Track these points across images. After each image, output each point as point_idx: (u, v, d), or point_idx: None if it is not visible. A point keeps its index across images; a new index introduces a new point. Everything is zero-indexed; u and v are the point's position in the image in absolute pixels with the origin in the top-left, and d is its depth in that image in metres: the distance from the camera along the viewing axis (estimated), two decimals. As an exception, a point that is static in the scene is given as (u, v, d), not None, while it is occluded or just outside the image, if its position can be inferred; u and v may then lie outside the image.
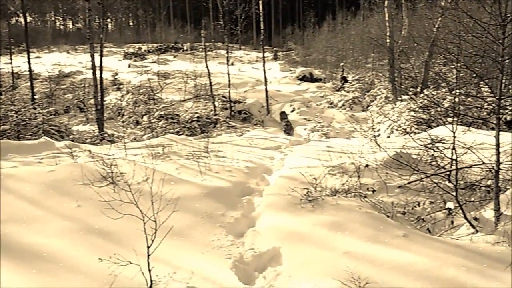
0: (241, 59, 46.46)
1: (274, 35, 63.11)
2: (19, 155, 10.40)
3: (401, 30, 24.29)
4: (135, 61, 42.58)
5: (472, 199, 7.78)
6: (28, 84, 23.25)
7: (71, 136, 17.15)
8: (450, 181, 7.45)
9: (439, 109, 15.52)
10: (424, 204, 7.80)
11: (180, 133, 19.22)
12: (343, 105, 25.56)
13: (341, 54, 39.83)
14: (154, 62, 39.44)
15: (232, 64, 35.02)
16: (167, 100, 24.48)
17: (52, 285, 5.10)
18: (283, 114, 23.48)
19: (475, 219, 6.95)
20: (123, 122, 22.27)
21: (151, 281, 5.06)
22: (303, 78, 33.87)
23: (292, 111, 24.69)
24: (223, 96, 25.88)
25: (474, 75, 9.76)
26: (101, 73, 19.11)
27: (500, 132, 7.08)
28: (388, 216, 7.23)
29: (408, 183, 8.37)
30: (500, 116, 7.11)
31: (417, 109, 17.44)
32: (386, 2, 23.02)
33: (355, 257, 5.80)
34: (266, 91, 25.85)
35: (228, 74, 25.90)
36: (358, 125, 18.12)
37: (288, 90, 29.89)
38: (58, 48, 52.89)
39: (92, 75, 19.00)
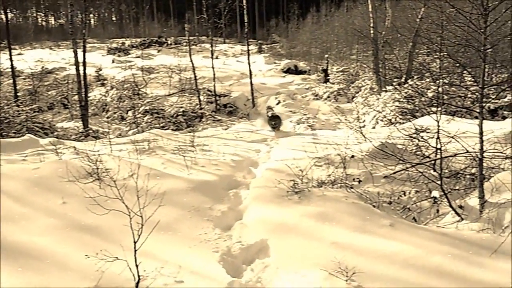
0: (226, 52, 46.37)
1: (259, 28, 63.04)
2: (3, 153, 10.29)
3: (385, 21, 24.38)
4: (119, 56, 42.32)
5: (457, 188, 7.84)
6: (11, 81, 22.98)
7: (56, 133, 17.01)
8: (435, 170, 7.50)
9: (423, 99, 15.61)
10: (409, 193, 7.86)
11: (166, 127, 19.15)
12: (328, 97, 25.60)
13: (326, 46, 39.90)
14: (138, 57, 39.24)
15: (216, 57, 34.95)
16: (152, 95, 24.38)
17: (38, 282, 5.06)
18: (269, 109, 22.75)
19: (460, 207, 7.01)
20: (108, 118, 22.13)
21: (139, 276, 5.04)
22: (288, 71, 33.89)
23: (277, 104, 24.69)
24: (208, 90, 25.82)
25: (458, 64, 9.82)
26: (84, 69, 18.98)
27: (484, 121, 7.14)
28: (374, 206, 7.27)
29: (394, 173, 8.42)
30: (483, 105, 7.15)
31: (401, 100, 17.54)
32: (369, -7, 23.07)
33: (342, 247, 5.83)
34: (251, 84, 25.83)
35: (213, 67, 25.85)
36: (344, 116, 18.17)
37: (273, 83, 29.88)
38: (40, 45, 52.39)
39: (75, 71, 18.86)
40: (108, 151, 10.67)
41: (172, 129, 18.62)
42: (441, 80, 13.42)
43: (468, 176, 8.22)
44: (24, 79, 28.15)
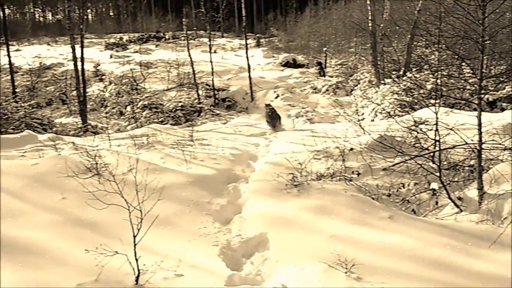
0: (224, 46, 46.27)
1: (257, 21, 62.89)
2: (2, 149, 10.28)
3: (383, 14, 24.33)
4: (117, 51, 42.18)
5: (456, 179, 7.86)
6: (9, 77, 22.90)
7: (54, 129, 16.96)
8: (434, 162, 7.51)
9: (422, 91, 15.60)
10: (408, 185, 7.87)
11: (164, 122, 19.12)
12: (327, 90, 25.54)
13: (324, 39, 39.82)
14: (136, 52, 39.06)
15: (215, 52, 34.86)
16: (150, 90, 24.32)
17: (38, 277, 5.07)
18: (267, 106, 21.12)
19: (459, 198, 7.03)
20: (106, 113, 22.07)
21: (139, 270, 5.06)
22: (287, 64, 33.81)
23: (276, 98, 24.63)
24: (207, 84, 25.76)
25: (456, 56, 9.79)
26: (82, 65, 18.94)
27: (482, 113, 7.14)
28: (373, 199, 7.29)
29: (393, 165, 8.42)
30: (482, 96, 7.16)
31: (400, 92, 17.52)
32: (367, -14, 23.01)
33: (342, 239, 5.84)
34: (250, 78, 25.76)
35: (211, 62, 25.78)
36: (342, 109, 18.12)
37: (271, 77, 29.81)
38: (38, 40, 52.24)
39: (73, 67, 18.81)
40: (107, 146, 10.66)
41: (171, 124, 18.59)
42: (439, 72, 13.40)
43: (467, 168, 8.23)
44: (22, 75, 28.06)
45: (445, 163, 8.21)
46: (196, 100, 23.43)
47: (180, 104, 21.51)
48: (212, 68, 25.29)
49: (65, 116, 22.25)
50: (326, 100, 23.56)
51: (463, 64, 14.10)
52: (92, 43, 47.89)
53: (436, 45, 17.25)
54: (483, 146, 7.09)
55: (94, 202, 6.14)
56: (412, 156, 8.07)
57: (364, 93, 21.78)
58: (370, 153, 9.02)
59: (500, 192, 6.67)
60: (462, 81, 14.33)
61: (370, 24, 22.99)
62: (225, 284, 5.20)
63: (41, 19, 79.57)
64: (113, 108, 22.51)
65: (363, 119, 17.38)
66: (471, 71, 8.56)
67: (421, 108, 13.68)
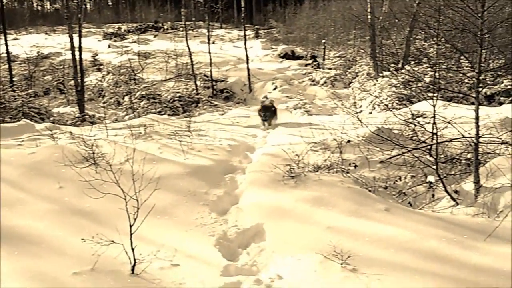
0: (222, 37, 46.06)
1: (255, 13, 62.58)
2: (-1, 138, 10.28)
3: (382, 6, 24.25)
4: (115, 41, 41.97)
5: (453, 172, 7.89)
6: (6, 66, 22.76)
7: (52, 118, 16.92)
8: (431, 155, 7.54)
9: (420, 84, 15.60)
10: (405, 178, 7.89)
11: (162, 113, 19.07)
12: (325, 82, 25.49)
13: (323, 31, 39.66)
14: (134, 42, 38.87)
15: (213, 42, 34.72)
16: (148, 80, 24.21)
17: (35, 266, 5.08)
18: (264, 98, 19.52)
19: (456, 192, 7.05)
20: (104, 103, 22.00)
21: (135, 259, 5.07)
22: (285, 56, 33.69)
23: (274, 89, 24.60)
24: (205, 75, 25.69)
25: (455, 50, 9.79)
26: (80, 54, 18.85)
27: (480, 106, 7.15)
28: (370, 191, 7.30)
29: (390, 158, 8.44)
30: (480, 90, 7.16)
31: (398, 85, 17.52)
32: (366, -22, 22.94)
33: (338, 231, 5.86)
34: (248, 69, 25.70)
35: (210, 53, 25.69)
36: (340, 101, 18.17)
37: (270, 68, 29.73)
38: (36, 29, 51.95)
39: (71, 56, 18.72)
40: (104, 136, 10.65)
41: (169, 114, 18.54)
42: (438, 66, 13.41)
43: (463, 161, 8.26)
44: (19, 64, 27.89)
45: (442, 156, 8.24)
46: (194, 91, 23.37)
47: (178, 94, 21.45)
48: (211, 59, 25.22)
49: (63, 105, 22.19)
50: (324, 92, 23.54)
51: (462, 57, 14.10)
52: (90, 32, 47.63)
53: (435, 38, 17.25)
54: (480, 139, 7.11)
55: (91, 192, 6.15)
56: (409, 149, 8.09)
57: (362, 86, 21.76)
58: (368, 145, 9.04)
59: (497, 185, 6.69)
60: (461, 74, 14.35)
61: (369, 17, 22.94)
62: (221, 274, 5.21)
63: (39, 8, 79.13)
64: (111, 98, 22.44)
65: (361, 111, 17.40)
66: (470, 65, 8.56)
67: (419, 101, 13.69)
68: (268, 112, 13.69)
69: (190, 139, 10.54)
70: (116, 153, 8.35)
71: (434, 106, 7.58)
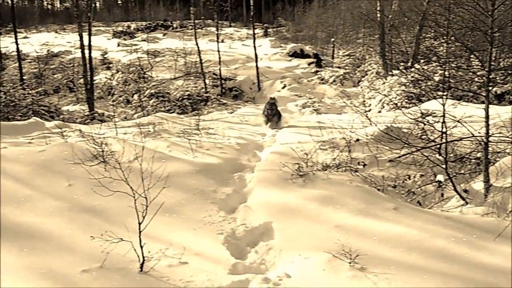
0: (231, 36, 46.06)
1: (264, 11, 62.57)
2: (9, 136, 10.32)
3: (392, 5, 24.17)
4: (124, 39, 42.10)
5: (462, 172, 7.84)
6: (17, 64, 22.94)
7: (61, 116, 17.00)
8: (440, 154, 7.50)
9: (429, 83, 15.52)
10: (414, 177, 7.86)
11: (171, 111, 19.14)
12: (334, 81, 25.46)
13: (332, 29, 39.62)
14: (144, 40, 39.01)
15: (222, 41, 34.72)
16: (158, 79, 24.32)
17: (44, 263, 5.10)
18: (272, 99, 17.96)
19: (465, 191, 7.01)
20: (113, 101, 22.12)
21: (143, 257, 5.08)
22: (294, 54, 33.63)
23: (283, 88, 24.59)
24: (214, 74, 25.74)
25: (465, 48, 9.73)
26: (90, 52, 18.95)
27: (490, 105, 7.11)
28: (378, 190, 7.28)
29: (399, 157, 8.41)
30: (490, 89, 7.11)
31: (408, 84, 17.44)
32: (376, -24, 22.85)
33: (346, 230, 5.85)
34: (257, 67, 25.70)
35: (218, 51, 25.75)
36: (349, 100, 18.11)
37: (279, 67, 29.70)
38: (46, 28, 52.19)
39: (81, 55, 18.82)
40: (114, 134, 10.68)
41: (178, 113, 18.62)
42: (447, 64, 13.32)
43: (473, 160, 8.21)
44: (30, 62, 28.05)
45: (451, 155, 8.20)
46: (203, 89, 23.43)
47: (187, 93, 21.51)
48: (219, 58, 25.27)
49: (72, 103, 22.31)
50: (333, 91, 23.51)
51: (472, 56, 14.02)
52: (100, 31, 47.79)
53: (445, 37, 17.15)
54: (490, 139, 7.06)
55: (100, 189, 6.17)
56: (418, 148, 8.06)
57: (371, 84, 21.69)
58: (376, 144, 9.01)
59: (506, 185, 6.65)
60: (470, 73, 14.25)
61: (378, 15, 22.86)
62: (229, 272, 5.22)
63: (49, 6, 79.50)
64: (120, 96, 22.55)
65: (370, 110, 17.34)
66: (480, 63, 8.50)
67: (429, 100, 13.62)
68: (274, 114, 13.62)
69: (199, 138, 10.55)
70: (125, 151, 8.38)
71: (443, 105, 7.55)
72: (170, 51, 32.59)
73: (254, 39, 26.76)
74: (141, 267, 5.05)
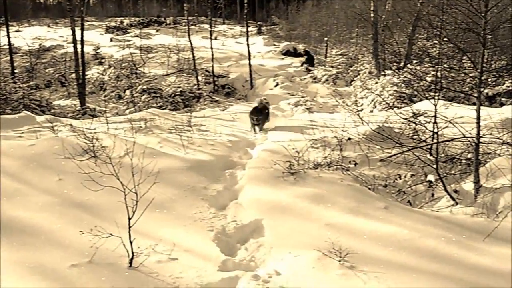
0: (225, 33, 46.05)
1: (258, 9, 62.60)
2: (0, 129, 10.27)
3: (385, 5, 24.23)
4: (117, 35, 41.98)
5: (453, 172, 7.87)
6: (8, 58, 22.73)
7: (52, 111, 16.93)
8: (431, 154, 7.53)
9: (422, 83, 15.58)
10: (405, 177, 7.87)
11: (163, 107, 19.07)
12: (327, 80, 25.48)
13: (325, 29, 39.72)
14: (137, 36, 38.87)
15: (215, 38, 34.69)
16: (150, 75, 24.23)
17: (33, 258, 5.07)
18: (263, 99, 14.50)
19: (455, 191, 7.03)
20: (105, 96, 22.00)
21: (133, 252, 5.06)
22: (287, 53, 33.66)
23: (275, 86, 24.57)
24: (207, 71, 25.69)
25: (457, 49, 9.77)
26: (82, 47, 18.84)
27: (481, 107, 7.13)
28: (369, 189, 7.29)
29: (390, 156, 8.43)
30: (481, 90, 7.14)
31: (400, 84, 17.50)
32: (370, -24, 22.89)
33: (337, 228, 5.85)
34: (250, 65, 25.66)
35: (212, 48, 25.70)
36: (342, 99, 18.16)
37: (271, 65, 29.70)
38: (38, 22, 51.99)
39: (73, 49, 18.71)
40: (105, 129, 10.64)
41: (170, 109, 18.56)
42: (440, 65, 13.39)
43: (464, 161, 8.24)
44: (21, 56, 27.88)
45: (442, 155, 8.23)
46: (196, 86, 23.37)
47: (179, 89, 21.44)
48: (212, 55, 25.23)
49: (64, 98, 22.19)
50: (325, 90, 23.53)
51: (464, 57, 14.07)
52: (93, 26, 47.64)
53: (437, 38, 17.22)
54: (481, 140, 7.09)
55: (90, 184, 6.15)
56: (409, 148, 8.08)
57: (364, 84, 21.74)
58: (368, 143, 9.02)
59: (496, 186, 6.68)
60: (463, 74, 14.32)
61: (372, 15, 22.91)
62: (219, 269, 5.21)
63: (42, 0, 79.07)
64: (112, 91, 22.43)
65: (362, 109, 17.39)
66: (472, 65, 8.54)
67: (421, 100, 13.68)
68: (260, 116, 12.56)
69: (190, 134, 10.53)
70: (116, 147, 8.34)
71: (435, 105, 7.57)
72: (163, 47, 32.53)
73: (248, 36, 26.72)
74: (130, 262, 5.03)
